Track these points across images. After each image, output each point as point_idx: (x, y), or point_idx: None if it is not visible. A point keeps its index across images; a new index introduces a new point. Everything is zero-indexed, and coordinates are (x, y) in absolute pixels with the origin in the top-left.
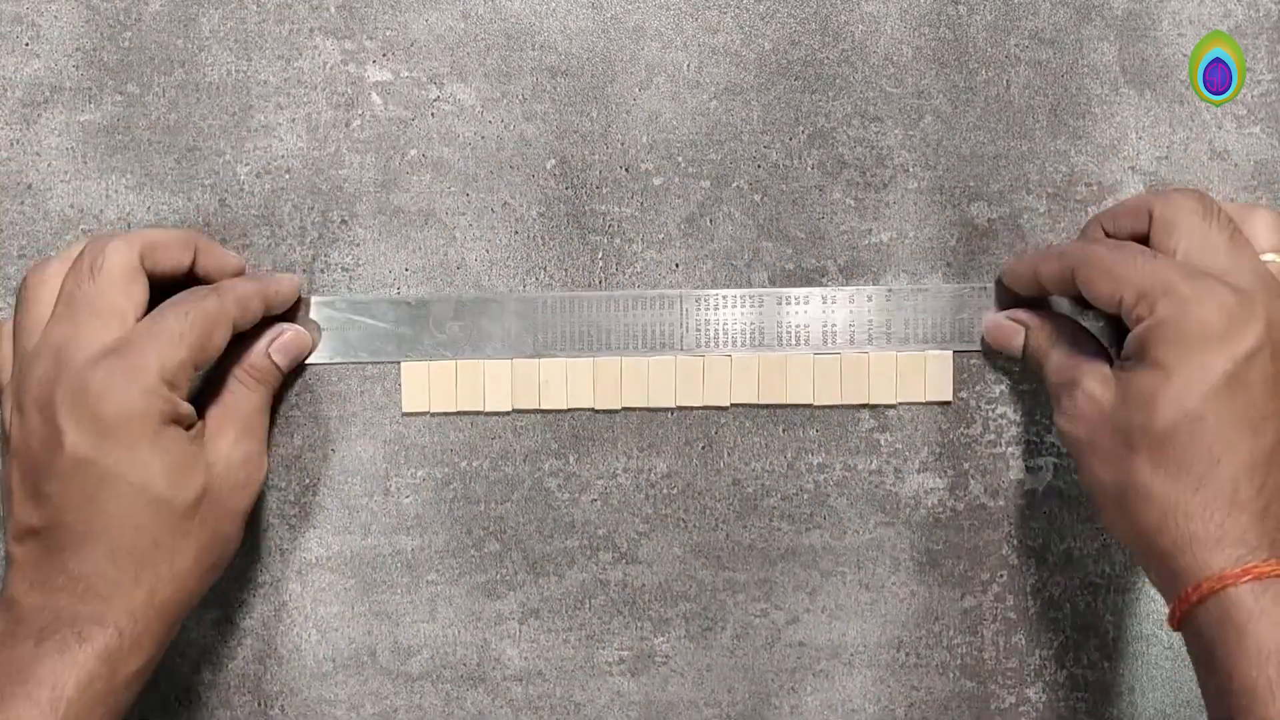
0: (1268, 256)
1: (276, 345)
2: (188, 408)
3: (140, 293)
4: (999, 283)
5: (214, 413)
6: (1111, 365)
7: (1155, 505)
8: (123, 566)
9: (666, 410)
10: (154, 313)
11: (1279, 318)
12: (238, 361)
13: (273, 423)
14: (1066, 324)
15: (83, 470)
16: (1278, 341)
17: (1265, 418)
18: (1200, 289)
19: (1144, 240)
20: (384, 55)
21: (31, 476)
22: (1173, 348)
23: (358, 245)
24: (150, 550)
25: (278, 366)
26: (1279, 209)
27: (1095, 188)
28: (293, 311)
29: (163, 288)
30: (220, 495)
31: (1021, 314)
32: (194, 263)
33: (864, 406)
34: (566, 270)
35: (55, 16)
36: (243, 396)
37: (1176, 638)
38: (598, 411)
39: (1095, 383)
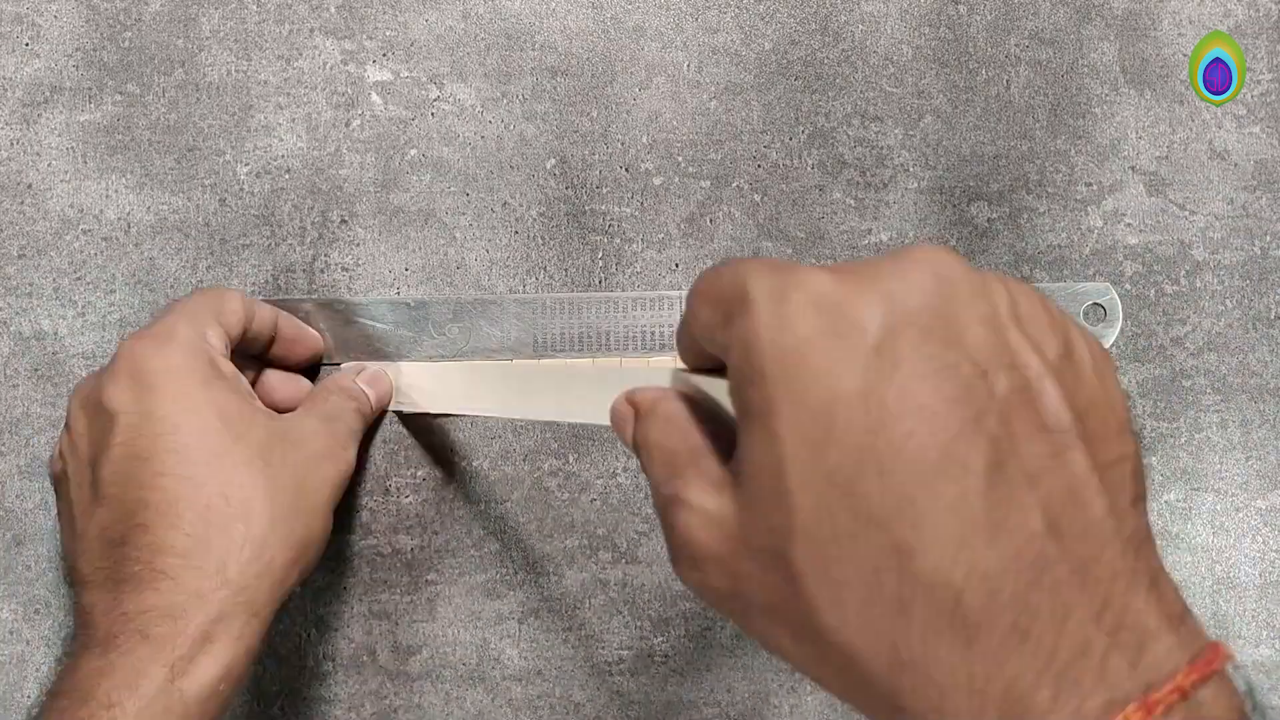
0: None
1: (364, 376)
2: (232, 369)
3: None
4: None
5: (300, 401)
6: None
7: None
8: (191, 531)
9: None
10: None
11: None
12: (323, 400)
13: (362, 468)
14: (684, 404)
15: (135, 433)
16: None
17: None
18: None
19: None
20: (384, 55)
21: (89, 478)
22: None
23: (358, 245)
24: (219, 505)
25: (367, 395)
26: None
27: (1095, 188)
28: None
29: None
30: (295, 461)
31: (646, 393)
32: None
33: None
34: (566, 270)
35: (55, 16)
36: (334, 402)
37: None
38: None
39: (701, 490)
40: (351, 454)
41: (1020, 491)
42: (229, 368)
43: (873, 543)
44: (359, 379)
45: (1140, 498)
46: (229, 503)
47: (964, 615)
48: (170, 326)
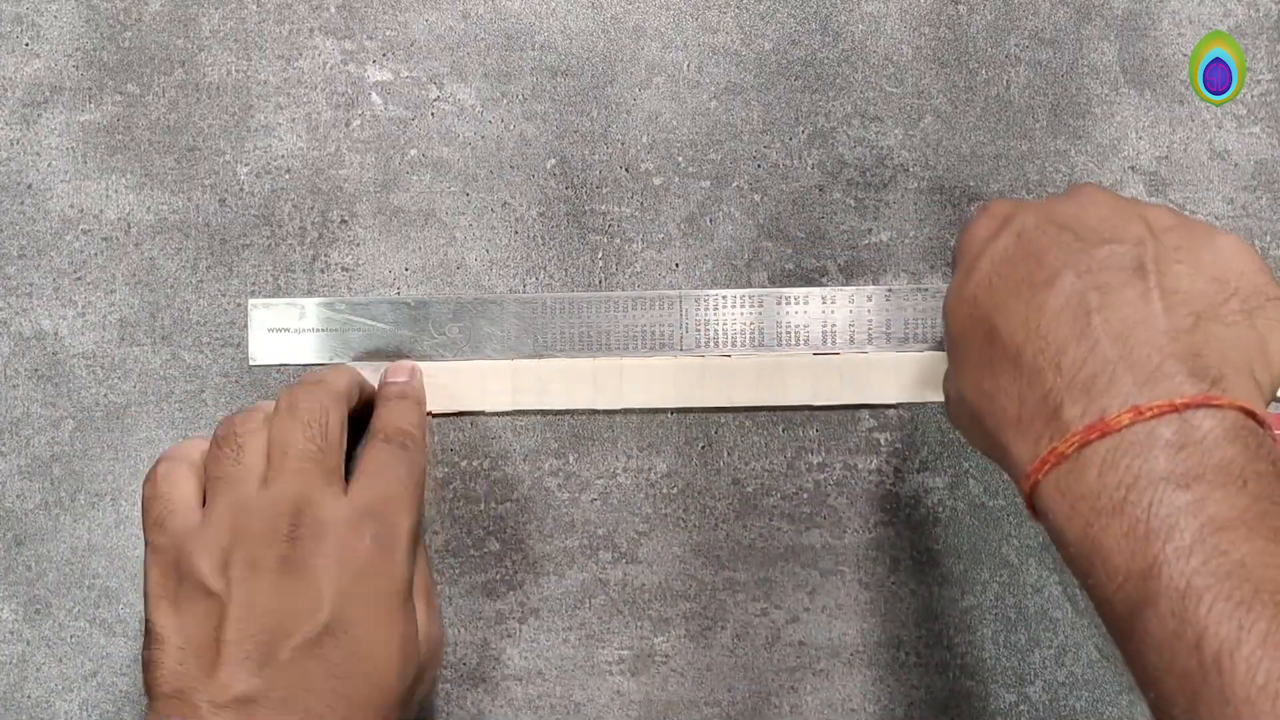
0: None
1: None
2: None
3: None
4: None
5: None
6: None
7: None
8: (340, 674)
9: (666, 410)
10: (375, 468)
11: (1027, 215)
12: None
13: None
14: None
15: (333, 640)
16: (1020, 231)
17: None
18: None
19: None
20: (384, 55)
21: (260, 640)
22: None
23: (358, 245)
24: (366, 653)
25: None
26: None
27: None
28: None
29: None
30: (421, 677)
31: None
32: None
33: (864, 407)
34: (566, 270)
35: (55, 16)
36: (424, 561)
37: None
38: (598, 412)
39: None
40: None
41: (1090, 297)
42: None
43: (983, 325)
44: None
45: (1195, 327)
46: (378, 648)
47: (1018, 359)
48: (397, 529)
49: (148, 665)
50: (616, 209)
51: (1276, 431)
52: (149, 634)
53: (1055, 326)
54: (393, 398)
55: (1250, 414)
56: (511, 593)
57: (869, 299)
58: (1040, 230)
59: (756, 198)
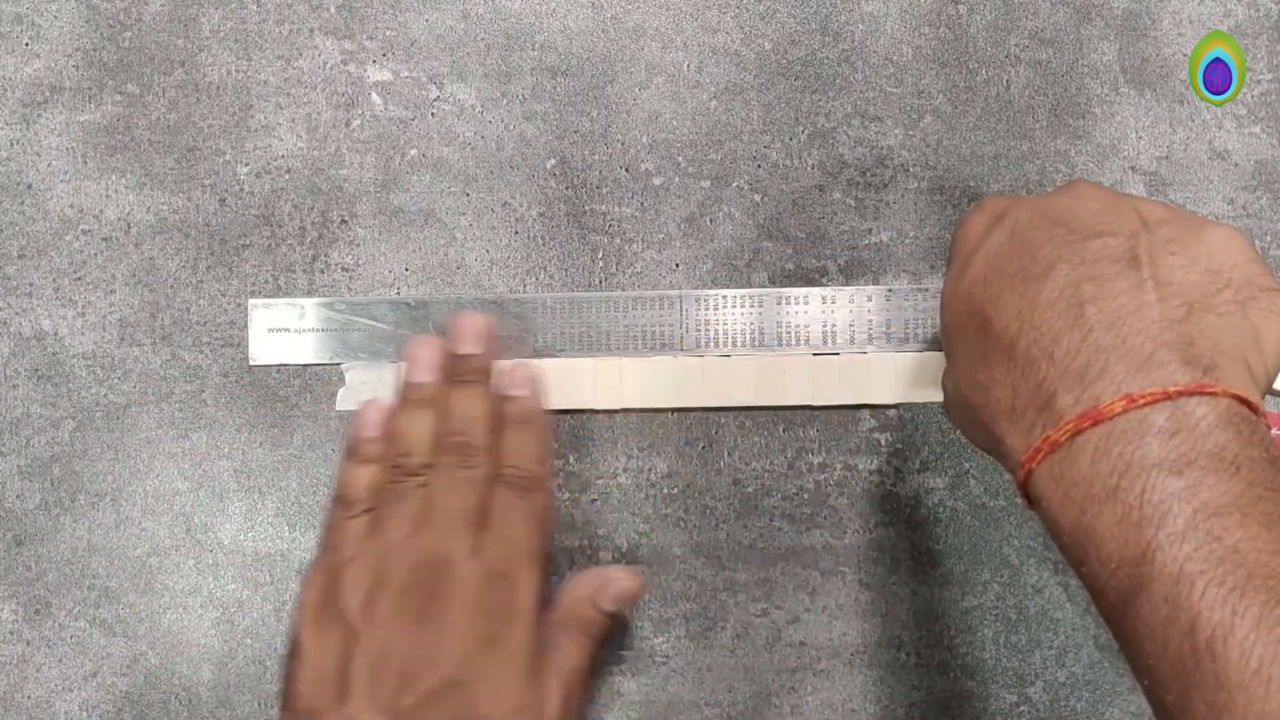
0: None
1: (610, 595)
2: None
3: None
4: None
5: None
6: None
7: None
8: None
9: (666, 410)
10: (496, 522)
11: (1020, 210)
12: (564, 602)
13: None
14: None
15: (457, 694)
16: (1014, 226)
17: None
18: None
19: None
20: (384, 55)
21: (389, 684)
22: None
23: (358, 245)
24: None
25: (608, 616)
26: None
27: None
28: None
29: None
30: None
31: None
32: None
33: (864, 407)
34: (566, 270)
35: (55, 16)
36: (568, 651)
37: None
38: (598, 412)
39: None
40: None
41: (1084, 288)
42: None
43: (977, 318)
44: (601, 599)
45: (1188, 317)
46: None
47: (1012, 350)
48: (522, 602)
49: (288, 678)
50: (616, 209)
51: (1275, 430)
52: (295, 647)
53: (1049, 317)
54: (512, 423)
55: (1244, 401)
56: None
57: (869, 299)
58: (1033, 225)
59: (756, 198)
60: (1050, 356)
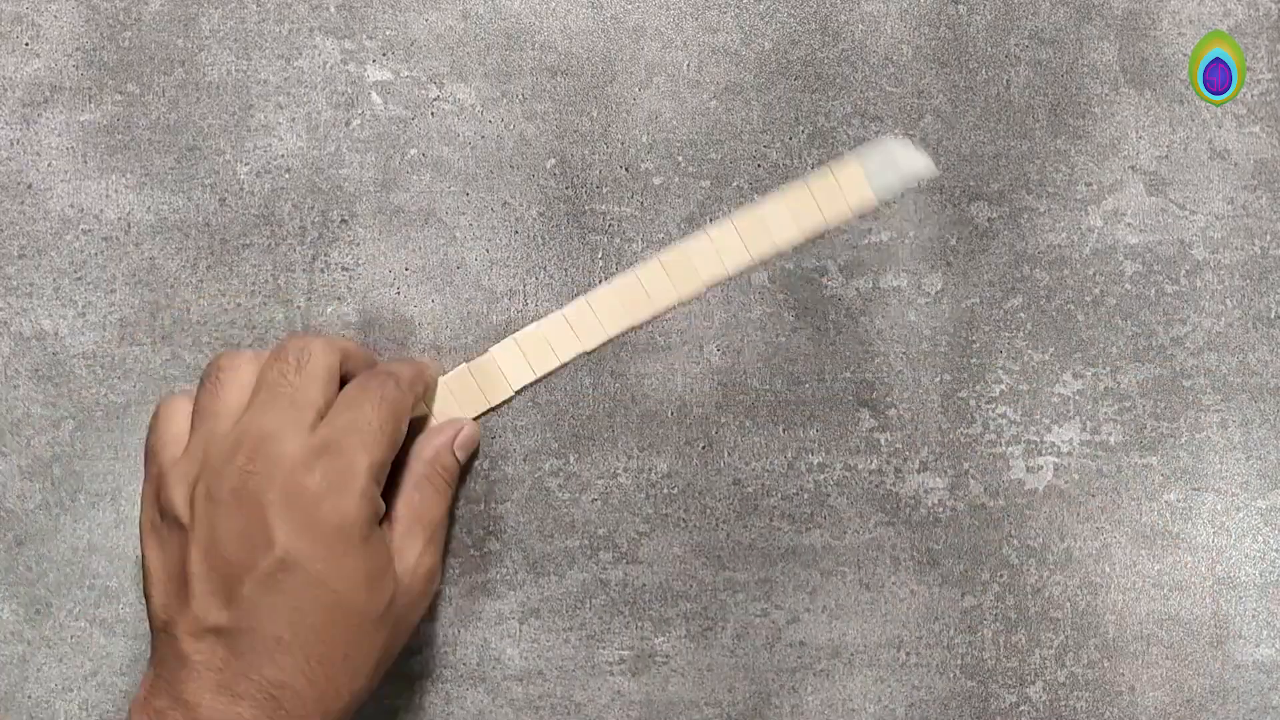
0: None
1: (459, 442)
2: (383, 507)
3: (333, 395)
4: None
5: (402, 515)
6: None
7: None
8: (314, 680)
9: (666, 410)
10: (345, 402)
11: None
12: (418, 458)
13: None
14: None
15: (290, 575)
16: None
17: None
18: None
19: None
20: (384, 55)
21: (222, 572)
22: None
23: (358, 245)
24: (339, 664)
25: (460, 464)
26: None
27: (1095, 187)
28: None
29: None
30: (402, 607)
31: None
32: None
33: (863, 406)
34: (566, 270)
35: (55, 16)
36: (432, 500)
37: (1177, 637)
38: (598, 409)
39: None
40: (444, 556)
41: None
42: (382, 508)
43: None
44: (456, 446)
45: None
46: (346, 660)
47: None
48: (355, 462)
49: (146, 601)
50: (616, 209)
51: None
52: (143, 569)
53: None
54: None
55: None
56: (511, 593)
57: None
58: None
59: (756, 198)
60: None
